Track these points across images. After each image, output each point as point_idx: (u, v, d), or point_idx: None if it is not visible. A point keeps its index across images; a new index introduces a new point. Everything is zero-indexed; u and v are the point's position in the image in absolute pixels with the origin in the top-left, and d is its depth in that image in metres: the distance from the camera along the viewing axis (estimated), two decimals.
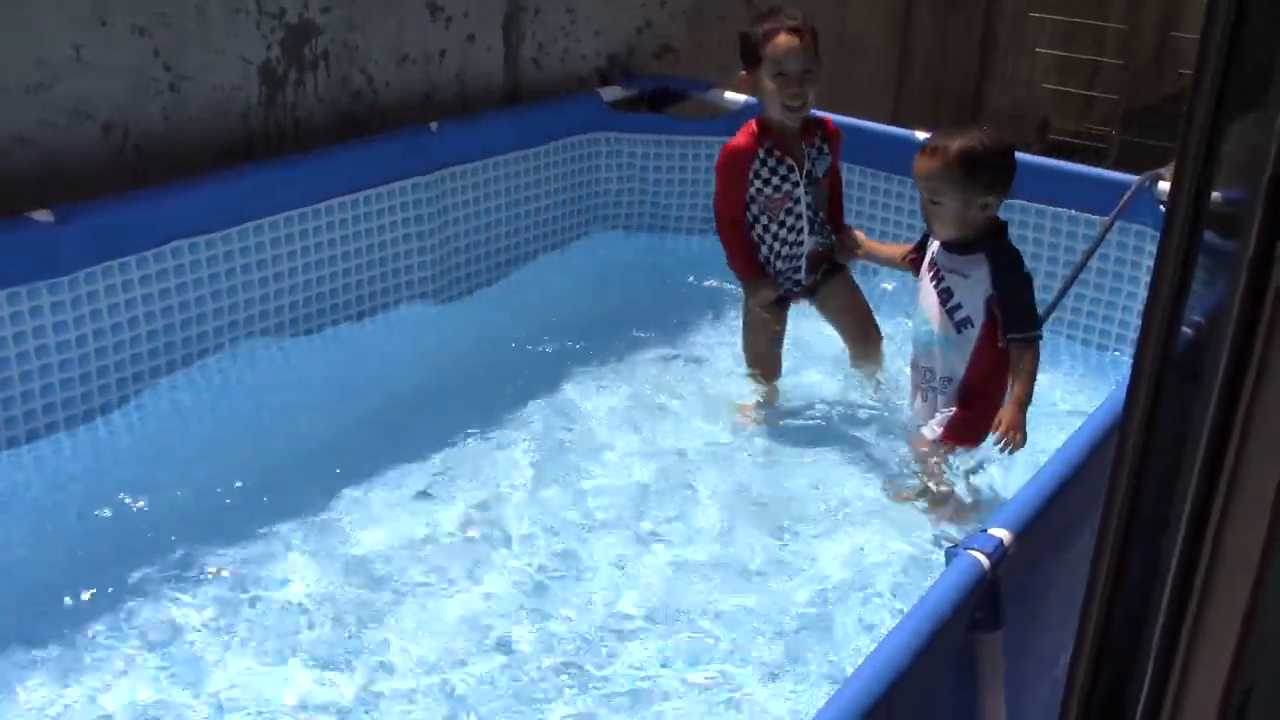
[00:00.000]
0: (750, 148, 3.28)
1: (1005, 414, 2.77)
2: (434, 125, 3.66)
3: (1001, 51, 6.50)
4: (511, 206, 3.97)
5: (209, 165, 3.25)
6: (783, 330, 3.48)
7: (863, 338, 3.49)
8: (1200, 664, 1.01)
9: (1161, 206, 3.55)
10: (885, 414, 3.35)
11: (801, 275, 3.39)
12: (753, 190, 3.29)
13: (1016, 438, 2.74)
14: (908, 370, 3.12)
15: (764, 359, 3.50)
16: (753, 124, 3.33)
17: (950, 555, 1.78)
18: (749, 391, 3.49)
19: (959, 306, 2.89)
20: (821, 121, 3.37)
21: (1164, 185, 3.58)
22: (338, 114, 3.56)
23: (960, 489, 2.92)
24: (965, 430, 2.93)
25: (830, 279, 3.44)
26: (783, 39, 3.19)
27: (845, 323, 3.50)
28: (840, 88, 5.43)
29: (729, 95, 4.35)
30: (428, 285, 3.71)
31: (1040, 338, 2.88)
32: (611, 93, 4.28)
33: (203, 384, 3.12)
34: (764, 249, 3.35)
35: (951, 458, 2.94)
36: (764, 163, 3.28)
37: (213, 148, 3.28)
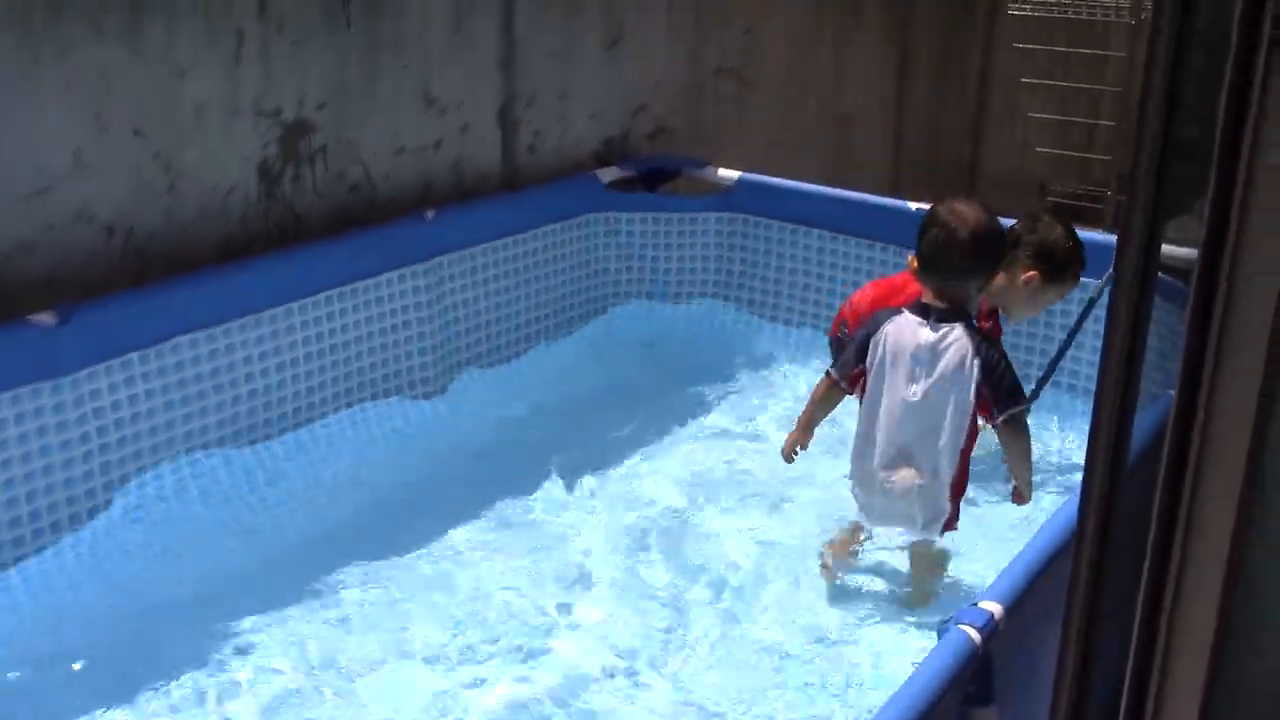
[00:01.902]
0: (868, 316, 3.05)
1: None
2: (429, 213, 3.72)
3: (995, 117, 6.57)
4: (510, 290, 4.02)
5: (209, 263, 3.30)
6: None
7: None
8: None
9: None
10: None
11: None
12: None
13: None
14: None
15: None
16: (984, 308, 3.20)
17: (942, 630, 1.78)
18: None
19: None
20: None
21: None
22: (336, 208, 3.62)
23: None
24: None
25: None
26: (1072, 285, 3.27)
27: None
28: (839, 160, 5.50)
29: (722, 172, 4.42)
30: (429, 371, 3.75)
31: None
32: (609, 174, 4.35)
33: (200, 478, 3.13)
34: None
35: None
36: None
37: (213, 246, 3.34)
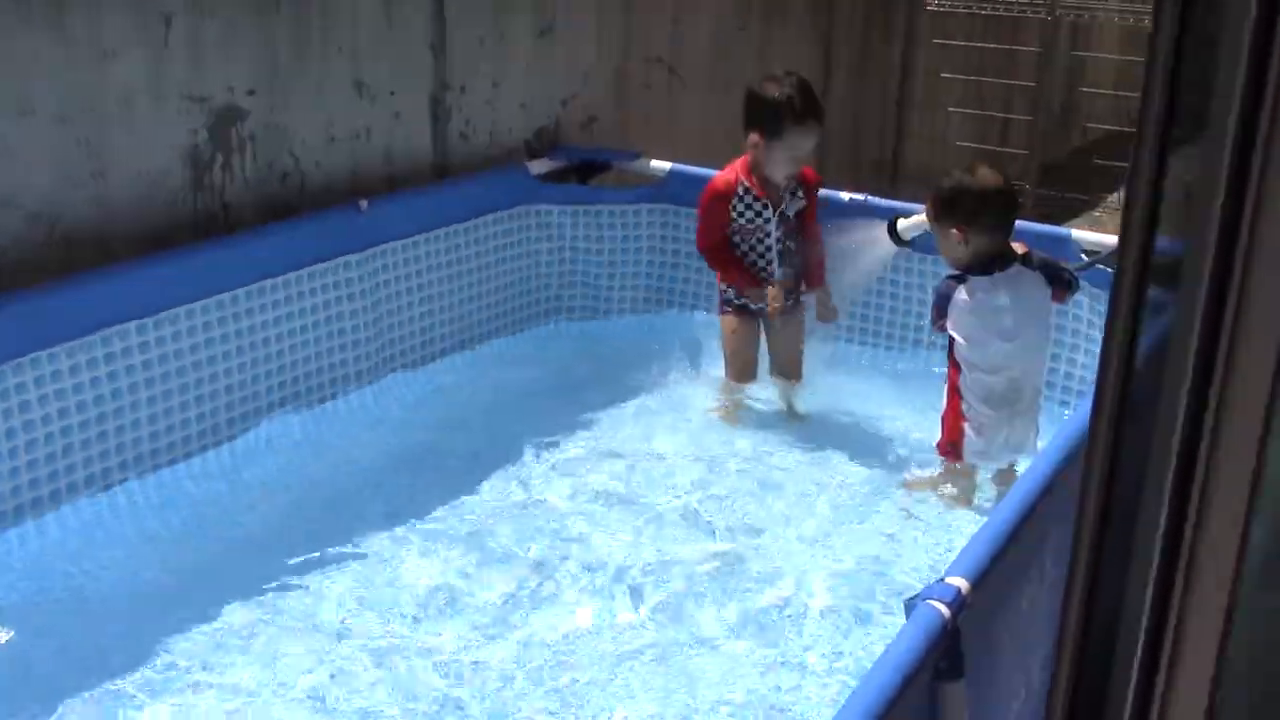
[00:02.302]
0: (730, 188, 3.65)
1: None
2: (364, 203, 3.66)
3: (916, 111, 6.67)
4: (444, 282, 3.97)
5: (137, 252, 3.21)
6: (757, 339, 3.82)
7: (792, 371, 3.82)
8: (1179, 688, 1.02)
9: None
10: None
11: (785, 269, 3.71)
12: (733, 216, 3.66)
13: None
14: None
15: (748, 368, 3.81)
16: (740, 163, 3.67)
17: (910, 606, 1.79)
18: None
19: None
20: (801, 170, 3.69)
21: (1094, 236, 3.68)
22: (266, 196, 3.55)
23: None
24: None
25: (791, 313, 3.74)
26: (811, 123, 3.54)
27: (782, 353, 3.83)
28: None
29: (654, 164, 4.41)
30: (363, 363, 3.69)
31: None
32: (540, 165, 4.32)
33: (126, 477, 3.04)
34: (742, 255, 3.70)
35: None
36: (741, 199, 3.65)
37: (141, 235, 3.24)
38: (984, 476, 3.29)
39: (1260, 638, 1.08)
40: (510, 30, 4.23)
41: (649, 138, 4.86)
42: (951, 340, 3.19)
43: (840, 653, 2.59)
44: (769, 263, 3.69)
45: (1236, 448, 0.95)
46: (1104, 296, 3.59)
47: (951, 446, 3.21)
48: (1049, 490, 2.14)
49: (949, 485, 3.23)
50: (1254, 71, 0.89)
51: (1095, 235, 3.79)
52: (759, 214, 3.64)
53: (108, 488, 3.02)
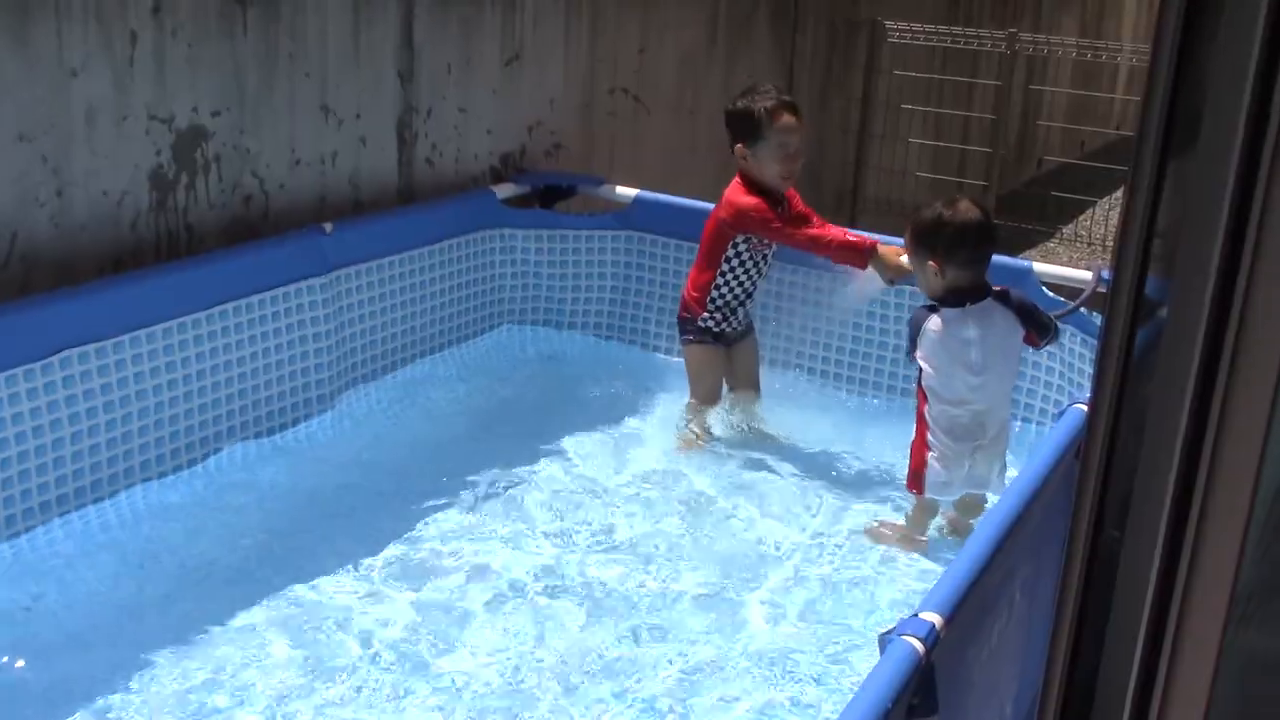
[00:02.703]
0: (764, 202, 3.60)
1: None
2: (328, 226, 3.63)
3: (876, 142, 6.74)
4: (408, 305, 3.95)
5: (98, 274, 3.17)
6: (723, 363, 3.87)
7: (750, 387, 3.92)
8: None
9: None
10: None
11: (740, 319, 3.82)
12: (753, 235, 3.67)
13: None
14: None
15: (716, 390, 3.84)
16: (742, 186, 3.64)
17: (884, 642, 1.79)
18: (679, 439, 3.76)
19: None
20: None
21: (1055, 269, 3.72)
22: (230, 219, 3.51)
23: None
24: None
25: (747, 335, 3.89)
26: (788, 118, 3.56)
27: (743, 372, 3.91)
28: (728, 181, 5.55)
29: (619, 190, 4.42)
30: (325, 387, 3.65)
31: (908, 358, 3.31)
32: (505, 190, 4.31)
33: (85, 500, 2.99)
34: (735, 286, 3.74)
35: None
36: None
37: (102, 256, 3.20)
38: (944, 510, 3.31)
39: (1248, 677, 1.09)
40: (478, 57, 4.23)
41: (614, 164, 4.87)
42: (921, 369, 3.22)
43: (817, 687, 2.59)
44: (760, 276, 3.78)
45: (1232, 482, 0.96)
46: (1067, 331, 3.63)
47: (915, 477, 3.23)
48: (1019, 524, 2.16)
49: (911, 536, 3.22)
50: (1256, 104, 0.89)
51: (1056, 269, 3.83)
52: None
53: (63, 514, 2.97)
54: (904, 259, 3.41)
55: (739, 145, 3.62)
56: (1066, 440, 2.50)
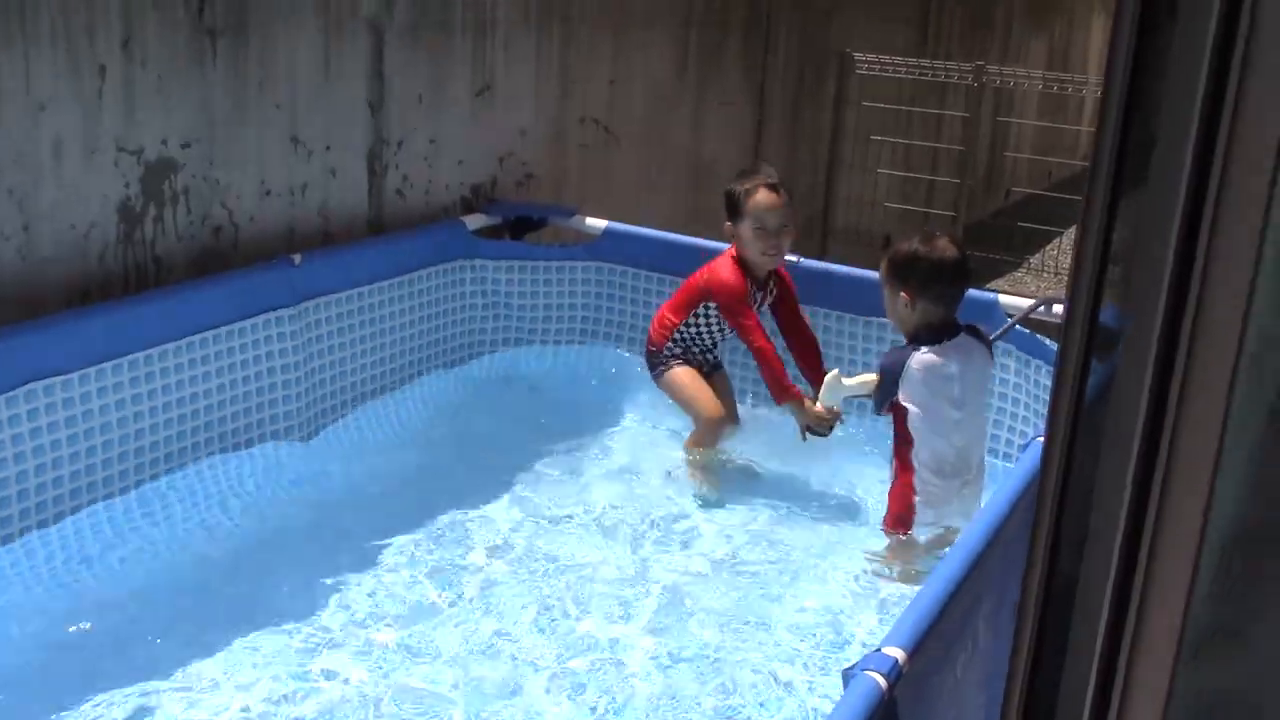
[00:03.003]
0: (744, 283, 3.72)
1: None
2: (296, 257, 3.63)
3: (845, 172, 6.79)
4: (379, 336, 3.95)
5: (66, 306, 3.15)
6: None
7: (733, 416, 3.97)
8: None
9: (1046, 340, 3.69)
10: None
11: (707, 359, 3.96)
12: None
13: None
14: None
15: (713, 402, 3.84)
16: (731, 260, 3.75)
17: (847, 677, 1.80)
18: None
19: None
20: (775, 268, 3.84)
21: (1020, 301, 3.75)
22: (199, 250, 3.51)
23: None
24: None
25: (717, 369, 4.01)
26: (763, 196, 3.66)
27: (723, 401, 3.95)
28: (699, 212, 5.60)
29: (590, 221, 4.44)
30: (294, 419, 3.64)
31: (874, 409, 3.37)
32: (476, 220, 4.32)
33: (50, 533, 2.96)
34: (698, 338, 3.88)
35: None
36: (748, 289, 3.74)
37: (69, 288, 3.19)
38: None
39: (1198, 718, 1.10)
40: (448, 88, 4.25)
41: (584, 195, 4.90)
42: (900, 413, 3.22)
43: None
44: (720, 340, 3.91)
45: (1181, 515, 0.97)
46: (1030, 360, 3.67)
47: (900, 519, 3.24)
48: (982, 558, 2.17)
49: (898, 565, 3.24)
50: (1203, 133, 0.91)
51: (1021, 300, 3.86)
52: (750, 304, 3.76)
53: (23, 533, 2.94)
54: (822, 408, 3.51)
55: (727, 224, 3.75)
56: (1030, 475, 2.52)
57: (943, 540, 3.27)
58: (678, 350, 3.88)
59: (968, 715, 2.36)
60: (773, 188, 3.68)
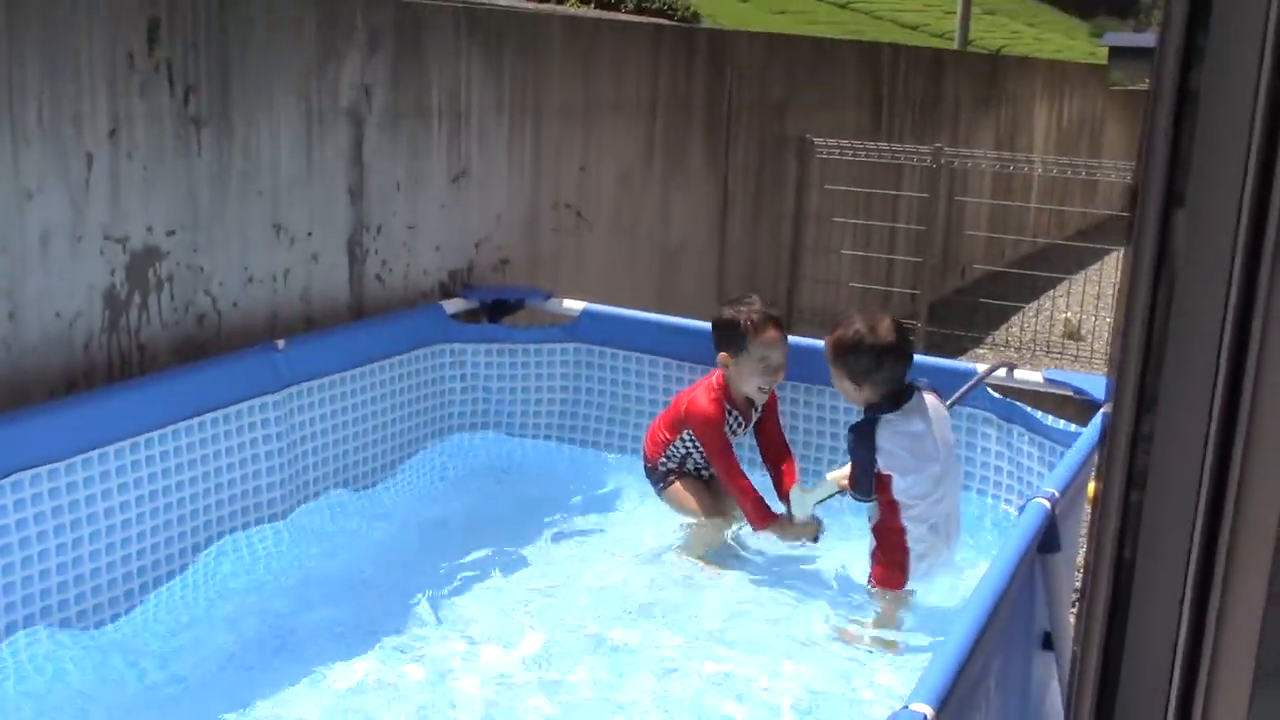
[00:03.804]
0: (721, 415, 3.72)
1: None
2: (281, 343, 3.62)
3: (808, 254, 6.90)
4: (360, 421, 3.93)
5: (50, 395, 3.12)
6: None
7: (729, 510, 3.88)
8: None
9: (996, 395, 3.78)
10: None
11: (709, 471, 3.87)
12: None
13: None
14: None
15: (712, 506, 3.83)
16: (715, 387, 3.74)
17: None
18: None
19: None
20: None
21: (1017, 373, 3.80)
22: (182, 337, 3.49)
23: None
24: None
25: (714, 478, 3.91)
26: (772, 333, 3.63)
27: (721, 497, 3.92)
28: (667, 293, 5.66)
29: (567, 303, 4.47)
30: (278, 505, 3.60)
31: (859, 499, 3.36)
32: (454, 304, 4.34)
33: (38, 633, 2.89)
34: (688, 456, 3.86)
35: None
36: (725, 421, 3.74)
37: (54, 378, 3.16)
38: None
39: None
40: (424, 175, 4.29)
41: (559, 278, 4.94)
42: (884, 483, 3.25)
43: None
44: (709, 469, 3.85)
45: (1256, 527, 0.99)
46: (996, 421, 3.73)
47: (888, 577, 3.27)
48: (993, 616, 2.19)
49: (882, 632, 3.24)
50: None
51: (1000, 371, 3.90)
52: (734, 432, 3.77)
53: (10, 638, 2.87)
54: (798, 523, 3.55)
55: (723, 354, 3.71)
56: (1030, 534, 2.55)
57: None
58: (673, 465, 3.89)
59: None
60: (777, 322, 3.67)
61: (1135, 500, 1.08)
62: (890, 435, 3.25)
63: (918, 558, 3.23)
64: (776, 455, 3.88)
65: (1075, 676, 1.15)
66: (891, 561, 3.27)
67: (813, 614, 3.37)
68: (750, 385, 3.69)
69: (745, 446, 3.93)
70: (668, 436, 3.87)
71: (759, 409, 3.83)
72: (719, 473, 3.75)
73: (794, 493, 3.53)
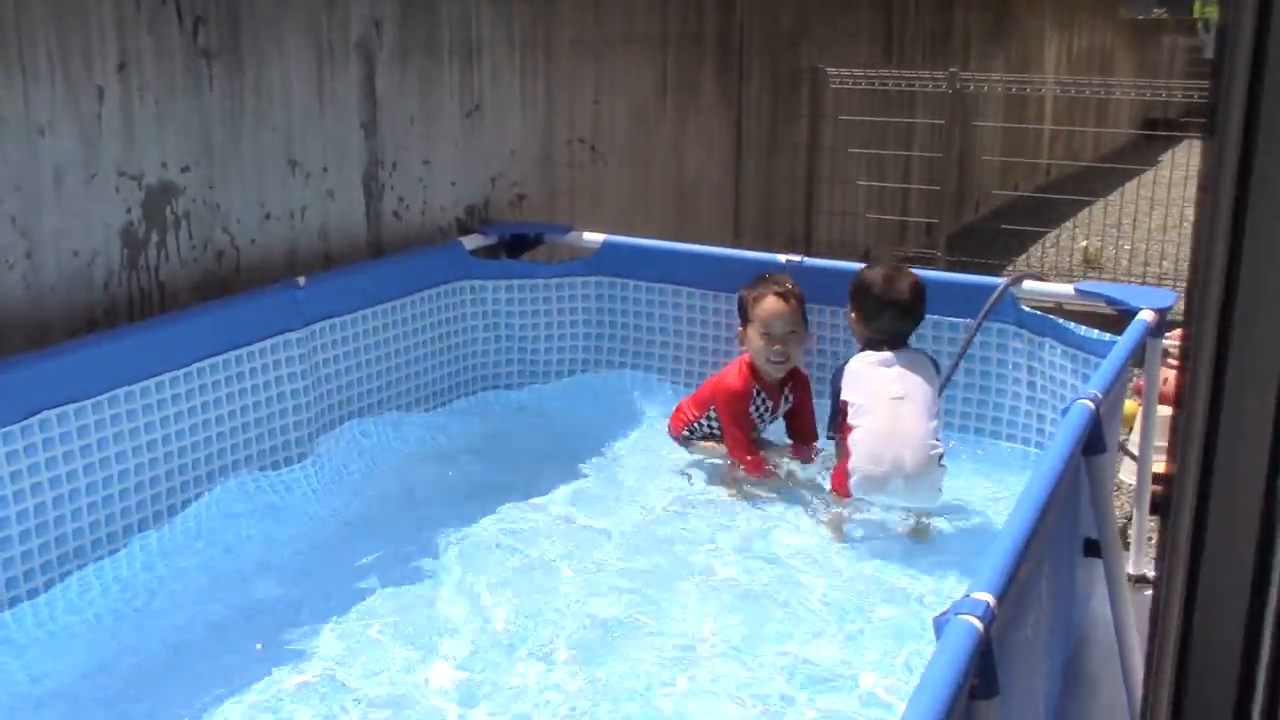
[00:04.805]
0: (747, 391, 3.71)
1: None
2: (302, 280, 3.57)
3: (825, 186, 6.82)
4: (383, 359, 3.89)
5: (71, 334, 3.08)
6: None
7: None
8: None
9: (1024, 307, 3.74)
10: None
11: None
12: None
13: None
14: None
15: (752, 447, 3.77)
16: (743, 365, 3.75)
17: (940, 625, 1.75)
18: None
19: None
20: (794, 370, 3.78)
21: (1028, 284, 3.76)
22: (202, 275, 3.45)
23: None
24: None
25: None
26: (770, 302, 3.67)
27: None
28: (683, 229, 5.59)
29: (587, 236, 4.41)
30: (305, 445, 3.57)
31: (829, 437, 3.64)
32: (473, 241, 4.29)
33: (69, 567, 2.88)
34: (712, 433, 3.83)
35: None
36: (753, 400, 3.73)
37: (74, 316, 3.12)
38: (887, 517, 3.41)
39: None
40: (438, 110, 4.22)
41: (574, 213, 4.88)
42: (842, 410, 3.44)
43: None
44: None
45: None
46: (1045, 343, 3.67)
47: (838, 484, 3.48)
48: (1045, 512, 2.14)
49: (832, 531, 3.40)
50: None
51: (1030, 285, 3.84)
52: (763, 416, 3.76)
53: (48, 585, 2.85)
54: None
55: (740, 329, 3.80)
56: (1076, 433, 2.50)
57: (914, 529, 3.38)
58: (697, 436, 3.86)
59: (1037, 677, 2.32)
60: (781, 295, 3.68)
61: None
62: (857, 364, 3.46)
63: (861, 475, 3.34)
64: (801, 442, 3.85)
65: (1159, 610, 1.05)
66: (841, 469, 3.44)
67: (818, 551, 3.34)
68: (760, 357, 3.69)
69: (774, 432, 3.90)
70: (694, 414, 3.84)
71: (789, 397, 3.79)
72: (725, 433, 3.74)
73: None
